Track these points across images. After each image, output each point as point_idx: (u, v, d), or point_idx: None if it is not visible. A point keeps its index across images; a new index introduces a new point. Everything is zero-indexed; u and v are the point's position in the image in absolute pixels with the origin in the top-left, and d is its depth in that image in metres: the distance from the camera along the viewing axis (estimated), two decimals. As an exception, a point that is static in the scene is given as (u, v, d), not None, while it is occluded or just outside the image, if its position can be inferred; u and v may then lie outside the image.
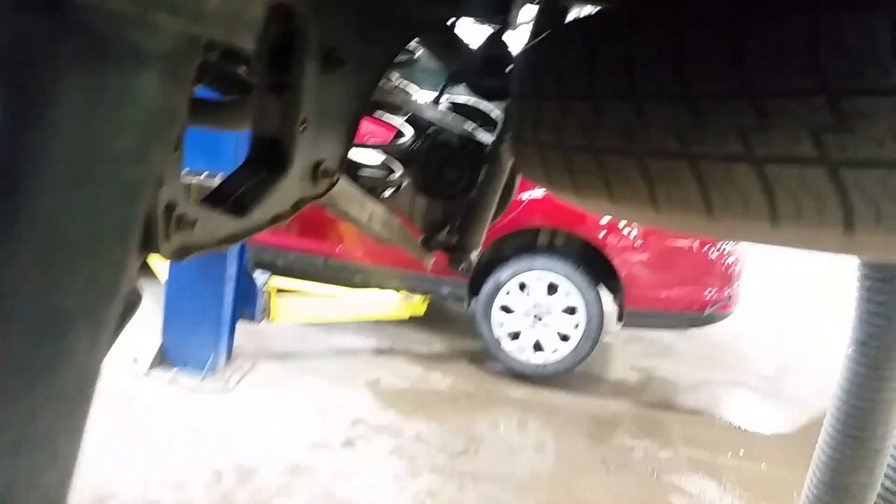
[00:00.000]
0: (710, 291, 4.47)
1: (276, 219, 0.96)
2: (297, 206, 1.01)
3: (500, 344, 4.56)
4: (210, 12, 0.56)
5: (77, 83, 0.50)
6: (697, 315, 4.50)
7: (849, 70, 0.58)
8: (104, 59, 0.52)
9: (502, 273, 4.55)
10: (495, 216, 1.64)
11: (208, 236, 0.79)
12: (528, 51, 1.03)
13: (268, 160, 0.93)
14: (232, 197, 0.87)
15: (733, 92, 0.64)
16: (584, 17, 1.05)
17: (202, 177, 2.51)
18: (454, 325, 5.43)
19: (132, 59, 0.53)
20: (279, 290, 4.22)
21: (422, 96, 1.65)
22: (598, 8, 1.05)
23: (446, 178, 1.54)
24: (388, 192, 1.49)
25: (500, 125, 1.61)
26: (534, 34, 1.43)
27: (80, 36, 0.49)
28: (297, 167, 0.96)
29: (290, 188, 0.97)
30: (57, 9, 0.49)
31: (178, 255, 0.67)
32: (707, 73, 0.66)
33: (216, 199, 0.85)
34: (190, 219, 0.68)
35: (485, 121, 1.69)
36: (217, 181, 1.05)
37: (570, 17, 1.38)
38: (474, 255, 1.62)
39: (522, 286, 4.55)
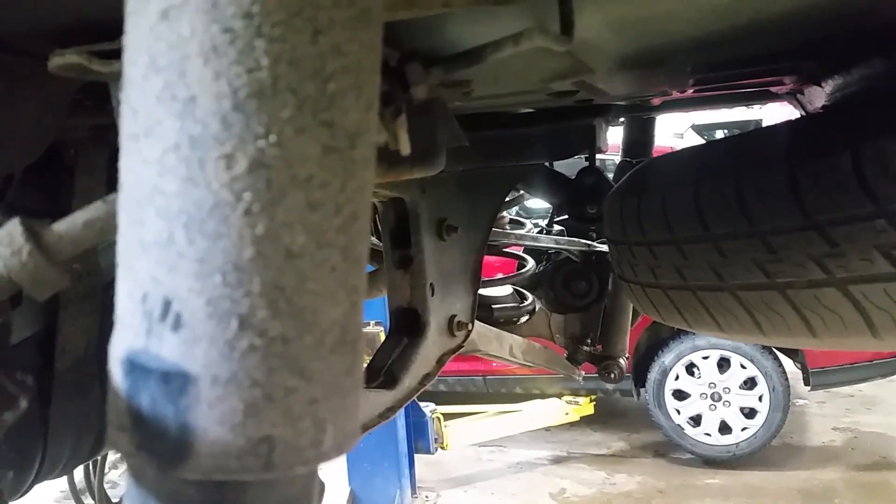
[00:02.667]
0: (900, 331, 4.05)
1: (425, 378, 1.07)
2: (441, 361, 1.11)
3: (682, 431, 4.33)
4: None
5: None
6: (893, 360, 4.08)
7: None
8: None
9: (665, 357, 4.39)
10: (634, 318, 1.65)
11: (369, 414, 0.89)
12: (610, 199, 1.09)
13: (407, 328, 1.05)
14: (382, 371, 0.98)
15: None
16: (654, 165, 1.12)
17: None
18: (628, 418, 5.23)
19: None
20: (446, 416, 4.30)
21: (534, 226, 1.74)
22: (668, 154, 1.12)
23: (575, 292, 1.59)
24: (523, 320, 1.56)
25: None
26: (625, 148, 1.50)
27: None
28: (434, 327, 1.07)
29: (431, 348, 1.07)
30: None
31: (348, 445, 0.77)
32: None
33: (369, 376, 0.97)
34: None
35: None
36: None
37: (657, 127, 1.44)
38: (622, 361, 1.63)
39: (690, 367, 4.36)
